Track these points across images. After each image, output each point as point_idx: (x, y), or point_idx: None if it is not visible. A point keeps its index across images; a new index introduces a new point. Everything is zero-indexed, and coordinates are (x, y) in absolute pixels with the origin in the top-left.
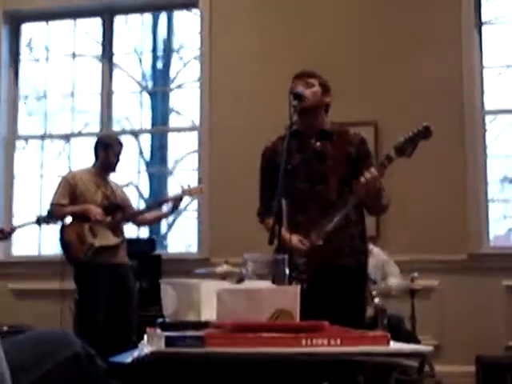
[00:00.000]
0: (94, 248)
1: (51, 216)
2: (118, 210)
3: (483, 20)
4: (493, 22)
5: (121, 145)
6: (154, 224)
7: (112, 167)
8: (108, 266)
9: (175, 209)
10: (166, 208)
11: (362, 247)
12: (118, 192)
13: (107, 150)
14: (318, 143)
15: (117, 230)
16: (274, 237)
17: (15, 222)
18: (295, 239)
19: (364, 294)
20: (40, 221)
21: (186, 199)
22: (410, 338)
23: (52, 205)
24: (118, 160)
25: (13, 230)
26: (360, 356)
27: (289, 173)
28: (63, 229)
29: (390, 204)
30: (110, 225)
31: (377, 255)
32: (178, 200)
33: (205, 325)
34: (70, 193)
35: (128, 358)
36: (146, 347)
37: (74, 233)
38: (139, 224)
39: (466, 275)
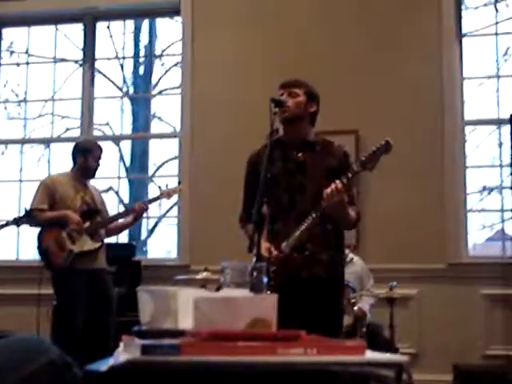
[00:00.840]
0: (74, 254)
1: (28, 216)
2: (96, 215)
3: (464, 31)
4: (473, 33)
5: (100, 149)
6: (118, 233)
7: (91, 172)
8: (86, 271)
9: (137, 219)
10: (130, 218)
11: (337, 257)
12: (97, 197)
13: (86, 154)
14: (300, 154)
15: (95, 235)
16: (253, 245)
17: None
18: (264, 247)
19: (339, 305)
20: (17, 221)
21: (165, 201)
22: (389, 346)
23: (31, 210)
24: (97, 165)
25: None
26: (336, 366)
27: (269, 181)
28: (41, 235)
29: (359, 218)
30: (88, 230)
31: (357, 264)
32: (141, 212)
33: (181, 333)
34: (49, 197)
35: (104, 366)
36: (122, 355)
37: (52, 239)
38: (108, 233)
39: (445, 284)
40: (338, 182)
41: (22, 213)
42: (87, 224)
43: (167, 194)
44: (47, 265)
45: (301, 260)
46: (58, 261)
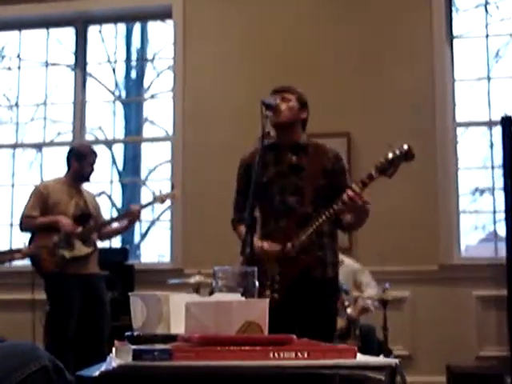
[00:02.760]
0: (65, 259)
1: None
2: (89, 220)
3: (454, 34)
4: (464, 35)
5: (95, 155)
6: (113, 237)
7: (85, 177)
8: (79, 276)
9: (133, 223)
10: (125, 222)
11: (331, 259)
12: (91, 201)
13: (80, 159)
14: (294, 157)
15: (88, 240)
16: (245, 247)
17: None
18: (266, 244)
19: (332, 305)
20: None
21: (158, 206)
22: (382, 348)
23: (22, 216)
24: (92, 170)
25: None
26: (326, 369)
27: (263, 185)
28: (33, 241)
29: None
30: (80, 235)
31: (347, 265)
32: (136, 215)
33: (173, 338)
34: (42, 204)
35: (96, 371)
36: (113, 360)
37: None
38: (102, 237)
39: (438, 286)
40: (354, 186)
41: None
42: (79, 229)
43: (160, 199)
44: (39, 271)
45: (308, 261)
46: (50, 266)
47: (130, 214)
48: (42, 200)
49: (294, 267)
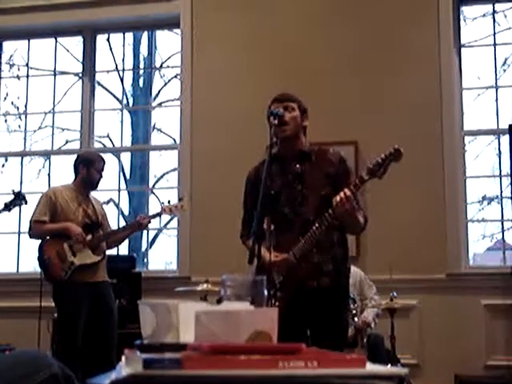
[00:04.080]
0: (74, 267)
1: (20, 198)
2: (98, 228)
3: (462, 42)
4: (472, 44)
5: (103, 161)
6: (119, 245)
7: (93, 184)
8: (88, 284)
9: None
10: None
11: (343, 269)
12: (99, 209)
13: (88, 166)
14: (298, 165)
15: (97, 249)
16: (253, 256)
17: None
18: (270, 255)
19: (344, 316)
20: (9, 206)
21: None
22: (390, 357)
23: (31, 221)
24: (100, 177)
25: None
26: (336, 379)
27: (271, 198)
28: (42, 246)
29: (367, 222)
30: (90, 243)
31: (356, 274)
32: (143, 226)
33: (183, 347)
34: (51, 209)
35: (106, 379)
36: (123, 369)
37: (53, 251)
38: (109, 245)
39: (446, 294)
40: (346, 190)
41: (11, 197)
42: (89, 237)
43: (169, 209)
44: (47, 277)
45: (308, 270)
46: (59, 273)
47: (137, 225)
48: (50, 206)
49: (296, 275)
